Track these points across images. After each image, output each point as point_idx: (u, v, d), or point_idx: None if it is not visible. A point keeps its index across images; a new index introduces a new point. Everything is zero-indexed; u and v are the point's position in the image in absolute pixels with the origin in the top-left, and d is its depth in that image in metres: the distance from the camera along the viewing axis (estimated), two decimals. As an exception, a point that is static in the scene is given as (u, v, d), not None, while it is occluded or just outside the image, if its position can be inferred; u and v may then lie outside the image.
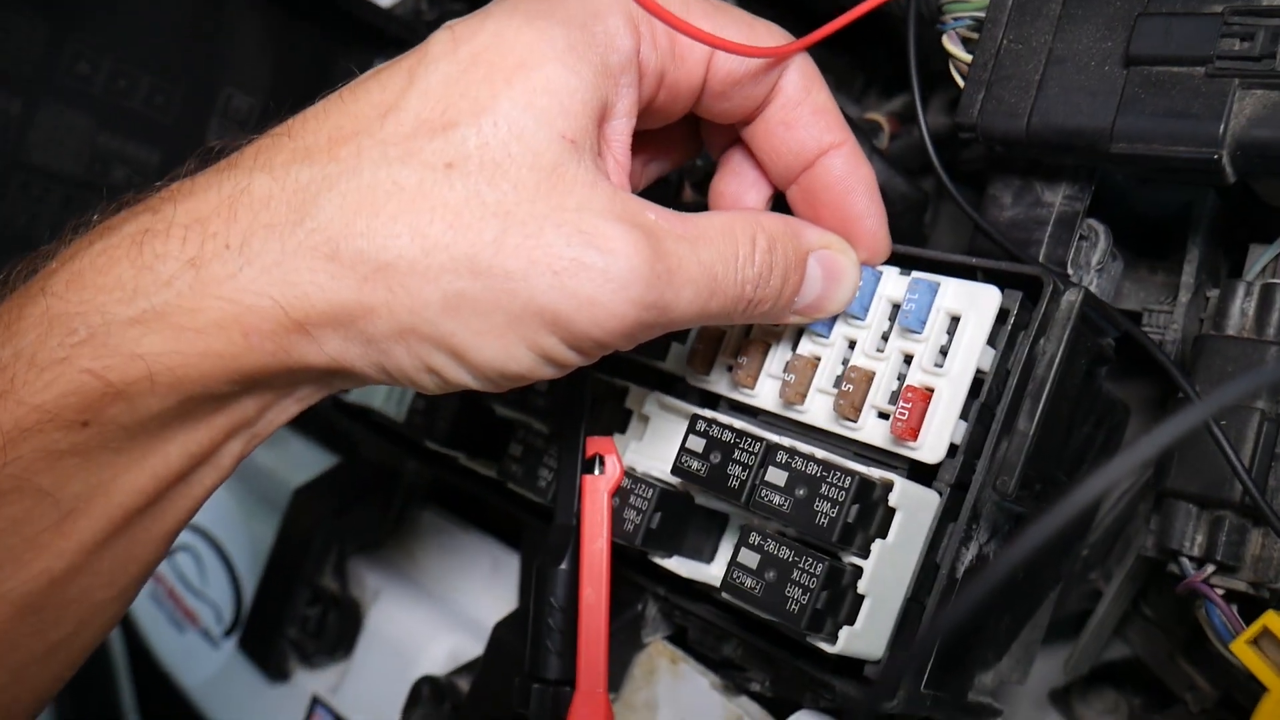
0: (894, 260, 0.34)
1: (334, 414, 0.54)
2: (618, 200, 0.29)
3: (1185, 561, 0.33)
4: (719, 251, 0.30)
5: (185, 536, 0.60)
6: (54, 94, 0.49)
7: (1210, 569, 0.32)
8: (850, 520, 0.30)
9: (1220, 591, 0.32)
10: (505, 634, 0.40)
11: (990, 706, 0.36)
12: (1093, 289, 0.35)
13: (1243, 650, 0.28)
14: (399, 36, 0.56)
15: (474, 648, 0.44)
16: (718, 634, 0.37)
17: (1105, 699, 0.47)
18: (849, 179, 0.34)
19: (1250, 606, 0.32)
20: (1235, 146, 0.29)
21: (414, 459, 0.49)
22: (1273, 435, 0.32)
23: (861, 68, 0.64)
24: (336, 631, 0.48)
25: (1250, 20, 0.29)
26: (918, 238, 0.48)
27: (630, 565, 0.38)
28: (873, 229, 0.34)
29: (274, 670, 0.49)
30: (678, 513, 0.35)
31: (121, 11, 0.50)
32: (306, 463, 0.55)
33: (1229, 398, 0.26)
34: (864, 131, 0.44)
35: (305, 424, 0.55)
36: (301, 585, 0.49)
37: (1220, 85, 0.29)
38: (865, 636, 0.31)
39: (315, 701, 0.48)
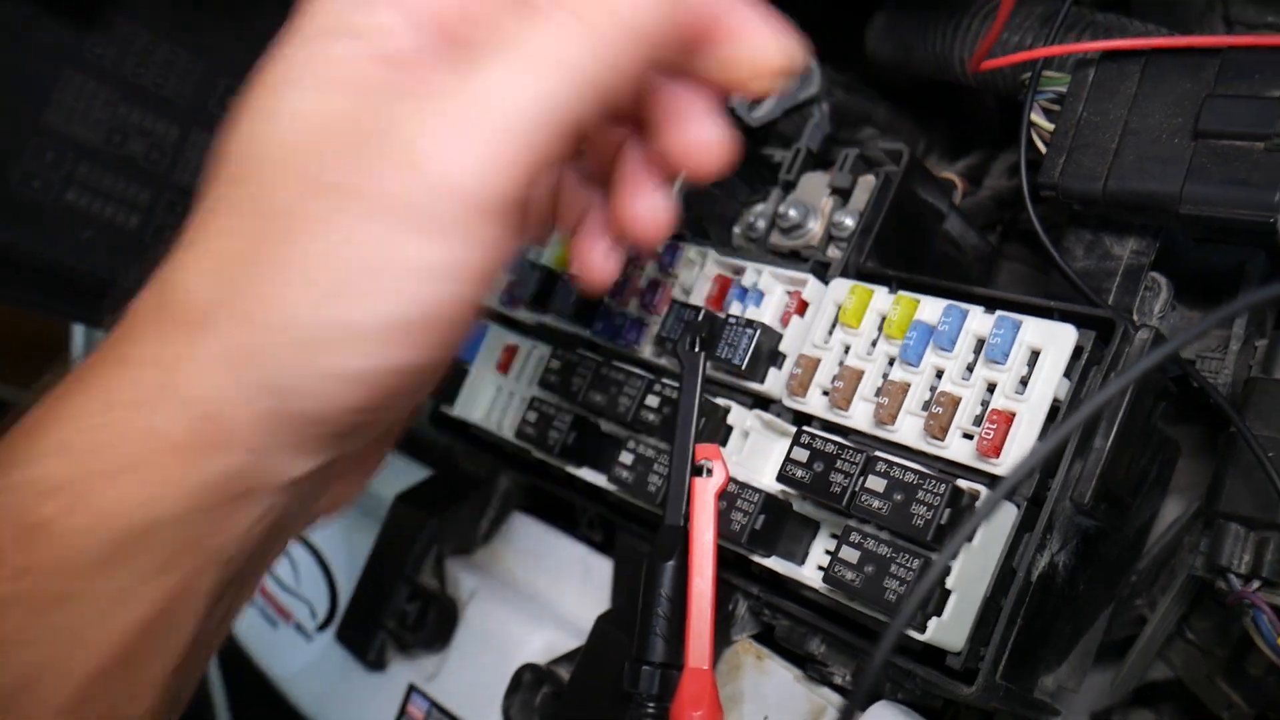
0: (979, 300, 0.39)
1: (431, 430, 0.59)
2: None
3: (1233, 578, 0.37)
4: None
5: (279, 537, 0.65)
6: (204, 123, 0.54)
7: (1257, 584, 0.36)
8: (943, 523, 0.34)
9: (1269, 606, 0.36)
10: (607, 625, 0.44)
11: (1051, 705, 0.40)
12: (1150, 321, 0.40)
13: (1291, 646, 0.32)
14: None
15: (569, 642, 0.48)
16: (804, 631, 0.41)
17: (1143, 719, 0.51)
18: None
19: (1289, 619, 0.36)
20: (1290, 212, 0.34)
21: (513, 469, 0.54)
22: (1315, 467, 0.36)
23: (924, 131, 0.69)
24: (435, 625, 0.51)
25: (1305, 104, 0.34)
26: (987, 286, 0.52)
27: (725, 567, 0.42)
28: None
29: (371, 660, 0.53)
30: (777, 517, 0.40)
31: (265, 51, 0.56)
32: (402, 476, 0.59)
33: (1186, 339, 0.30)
34: (944, 189, 0.48)
35: (403, 442, 0.60)
36: (401, 583, 0.53)
37: (1277, 159, 0.34)
38: (950, 628, 0.35)
39: (412, 689, 0.52)
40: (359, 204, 0.25)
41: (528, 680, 0.46)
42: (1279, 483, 0.35)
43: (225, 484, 0.26)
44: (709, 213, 0.53)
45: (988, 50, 0.44)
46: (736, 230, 0.52)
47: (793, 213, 0.48)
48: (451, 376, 0.55)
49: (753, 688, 0.43)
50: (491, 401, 0.55)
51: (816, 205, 0.48)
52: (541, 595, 0.51)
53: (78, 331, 0.96)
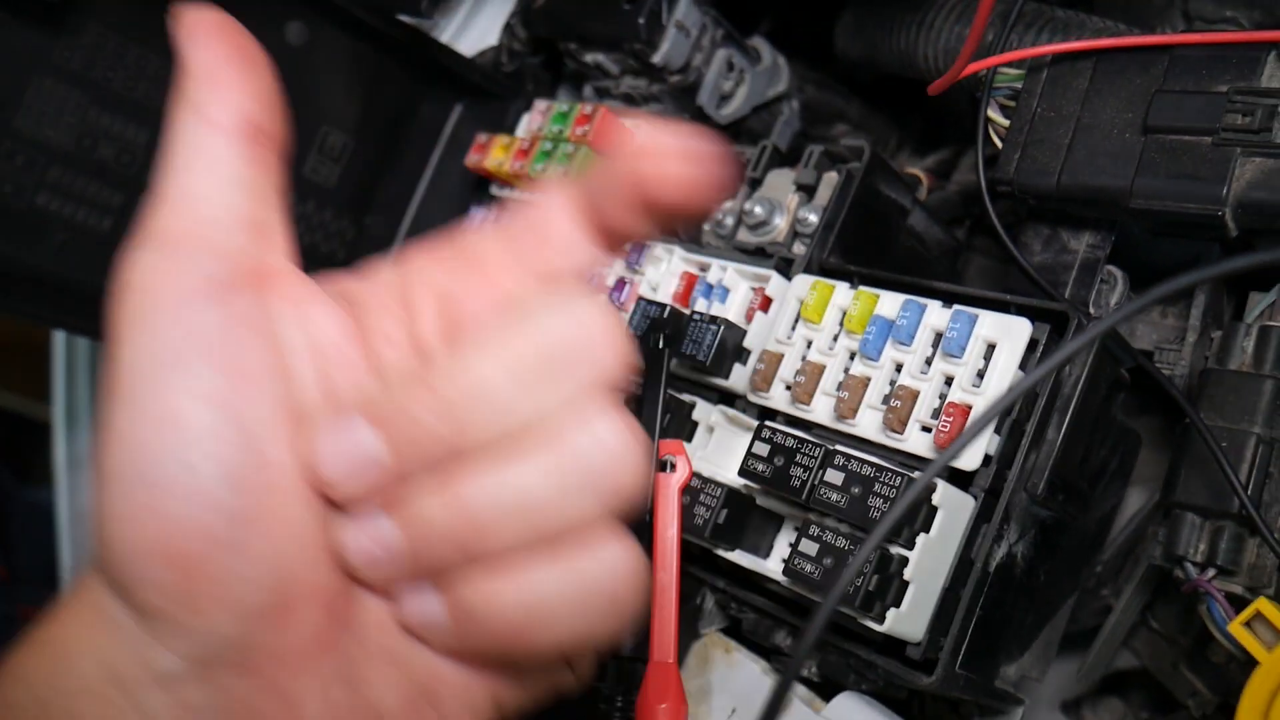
0: (938, 295, 0.39)
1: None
2: None
3: (1189, 566, 0.37)
4: None
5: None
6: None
7: (1211, 572, 0.37)
8: (902, 516, 0.35)
9: (1221, 593, 0.36)
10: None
11: (1013, 695, 0.40)
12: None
13: (1238, 630, 0.32)
14: (479, 86, 0.62)
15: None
16: (770, 623, 0.42)
17: (1113, 709, 0.51)
18: None
19: (1244, 608, 0.37)
20: (1237, 205, 0.34)
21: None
22: (1267, 456, 0.37)
23: (897, 127, 0.69)
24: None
25: (1251, 99, 0.34)
26: (952, 280, 0.53)
27: (691, 561, 0.42)
28: None
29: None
30: (740, 511, 0.40)
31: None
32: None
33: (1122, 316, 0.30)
34: (907, 184, 0.49)
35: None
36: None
37: (1225, 153, 0.34)
38: (909, 618, 0.35)
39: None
40: None
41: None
42: (1231, 474, 0.36)
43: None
44: (678, 211, 0.53)
45: (961, 67, 0.44)
46: (705, 227, 0.53)
47: (758, 209, 0.48)
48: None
49: (721, 680, 0.43)
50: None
51: (782, 202, 0.49)
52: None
53: (59, 335, 0.97)
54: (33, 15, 0.48)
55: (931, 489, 0.35)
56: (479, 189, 0.61)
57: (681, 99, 0.57)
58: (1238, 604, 0.36)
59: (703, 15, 0.56)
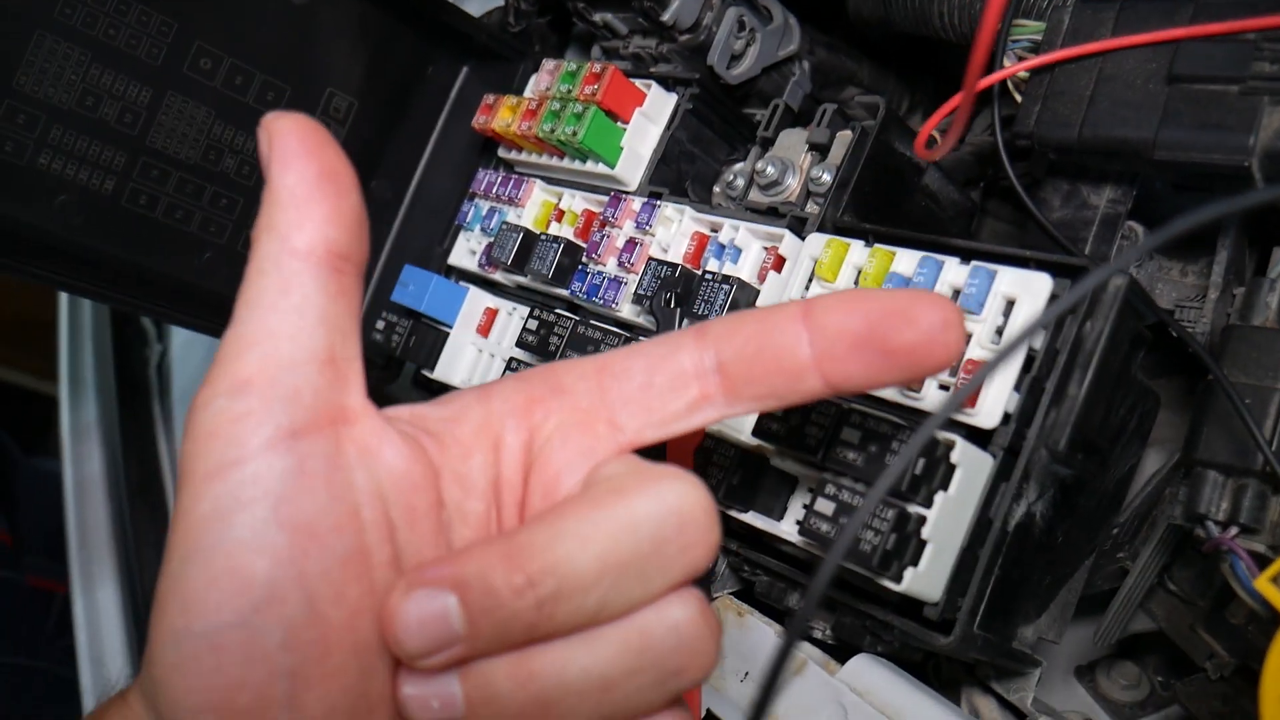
0: (955, 251, 0.39)
1: (412, 394, 0.58)
2: None
3: (1211, 525, 0.37)
4: None
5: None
6: (179, 86, 0.54)
7: (1234, 530, 0.36)
8: (917, 473, 0.34)
9: (1245, 551, 0.36)
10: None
11: (1031, 656, 0.40)
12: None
13: (1265, 586, 0.32)
14: (486, 46, 0.61)
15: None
16: (783, 586, 0.41)
17: (1128, 673, 0.51)
18: None
19: (1263, 566, 0.36)
20: (1265, 156, 0.34)
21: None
22: (1291, 414, 0.36)
23: (909, 89, 0.68)
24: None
25: (1280, 46, 0.34)
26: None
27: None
28: None
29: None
30: (754, 472, 0.40)
31: (240, 15, 0.55)
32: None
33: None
34: (904, 129, 0.48)
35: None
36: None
37: (1252, 102, 0.34)
38: (926, 578, 0.35)
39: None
40: None
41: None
42: (1256, 431, 0.35)
43: None
44: (690, 171, 0.52)
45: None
46: (716, 189, 0.52)
47: (770, 169, 0.48)
48: (432, 341, 0.55)
49: (734, 644, 0.43)
50: (473, 365, 0.54)
51: (795, 161, 0.48)
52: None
53: (63, 302, 0.96)
54: (169, 35, 0.48)
55: (951, 445, 0.35)
56: (486, 151, 0.60)
57: (691, 59, 0.56)
58: (1260, 563, 0.36)
59: (713, -28, 0.55)
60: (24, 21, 0.49)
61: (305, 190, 0.27)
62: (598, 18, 0.57)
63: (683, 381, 0.29)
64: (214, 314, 0.59)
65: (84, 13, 0.50)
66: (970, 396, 0.36)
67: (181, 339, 0.86)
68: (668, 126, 0.52)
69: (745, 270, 0.45)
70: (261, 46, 0.56)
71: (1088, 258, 0.38)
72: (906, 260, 0.39)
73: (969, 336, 0.37)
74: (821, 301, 0.28)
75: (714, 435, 0.40)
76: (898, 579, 0.34)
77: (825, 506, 0.36)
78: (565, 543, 0.25)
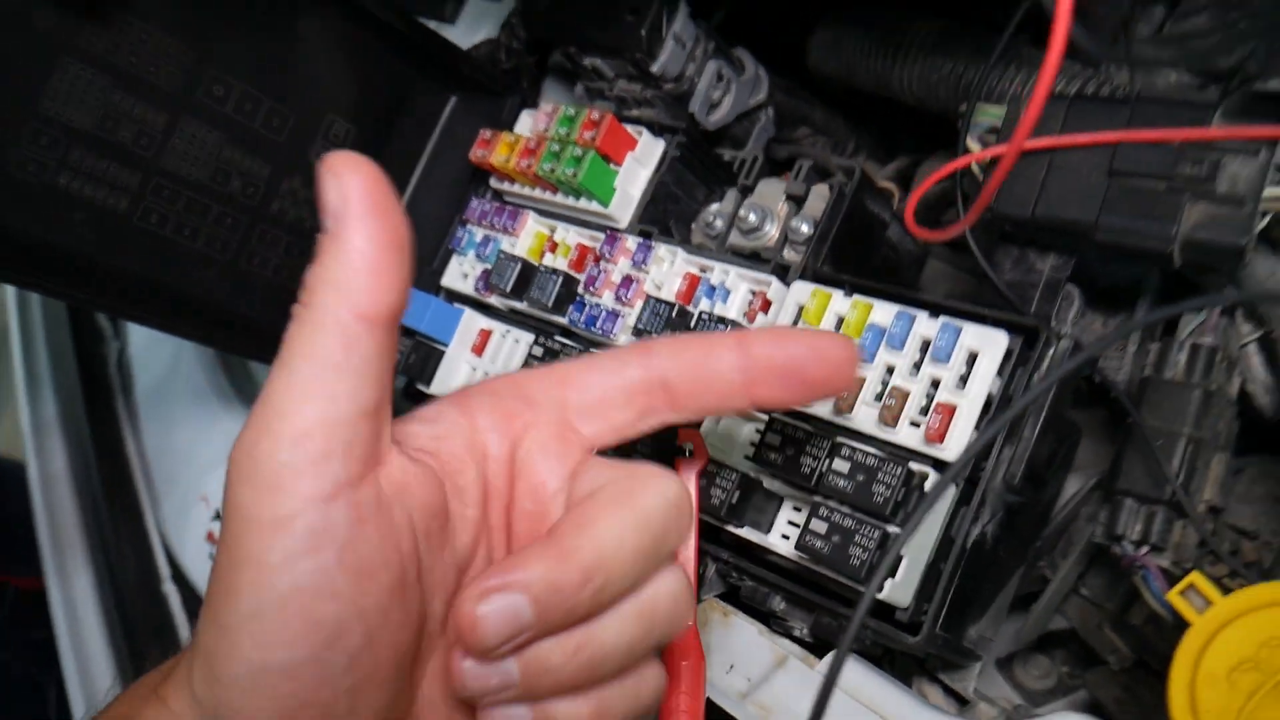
0: (925, 306, 0.45)
1: (406, 407, 0.63)
2: None
3: (1127, 544, 0.44)
4: None
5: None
6: (193, 111, 0.57)
7: (1146, 548, 0.44)
8: (899, 500, 0.40)
9: (1156, 566, 0.43)
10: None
11: (974, 652, 0.47)
12: (1065, 333, 0.46)
13: (1175, 599, 0.39)
14: (476, 79, 0.65)
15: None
16: (766, 590, 0.47)
17: (1040, 665, 0.59)
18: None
19: (1169, 580, 0.44)
20: (1184, 243, 0.41)
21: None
22: (1194, 453, 0.44)
23: (855, 131, 0.75)
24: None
25: (1199, 152, 0.41)
26: (916, 284, 0.59)
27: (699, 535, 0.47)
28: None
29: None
30: (750, 492, 0.45)
31: (252, 44, 0.58)
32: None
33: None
34: (885, 198, 0.54)
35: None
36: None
37: (1176, 199, 0.41)
38: (901, 588, 0.41)
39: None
40: None
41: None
42: (1166, 467, 0.42)
43: None
44: (673, 210, 0.58)
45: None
46: (696, 228, 0.58)
47: (752, 216, 0.53)
48: (428, 358, 0.59)
49: (720, 640, 0.49)
50: (466, 381, 0.59)
51: (773, 210, 0.54)
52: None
53: (10, 298, 0.96)
54: (71, 4, 0.50)
55: (925, 477, 0.41)
56: (475, 179, 0.64)
57: (674, 105, 0.62)
58: (1166, 576, 0.43)
59: (697, 29, 0.60)
60: (51, 47, 0.51)
61: (375, 257, 0.29)
62: (587, 62, 0.62)
63: (632, 395, 0.35)
64: (215, 326, 0.62)
65: (108, 40, 0.53)
66: (938, 434, 0.42)
67: (140, 336, 0.87)
68: (656, 170, 0.57)
69: (734, 310, 0.50)
70: (270, 75, 0.59)
71: (1036, 317, 0.44)
72: (883, 311, 0.45)
73: (938, 381, 0.43)
74: (754, 335, 0.35)
75: (717, 461, 0.46)
76: (880, 588, 0.41)
77: (819, 526, 0.42)
78: (605, 541, 0.31)
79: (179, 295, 0.59)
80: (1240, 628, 0.36)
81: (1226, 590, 0.38)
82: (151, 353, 0.85)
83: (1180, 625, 0.39)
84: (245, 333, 0.63)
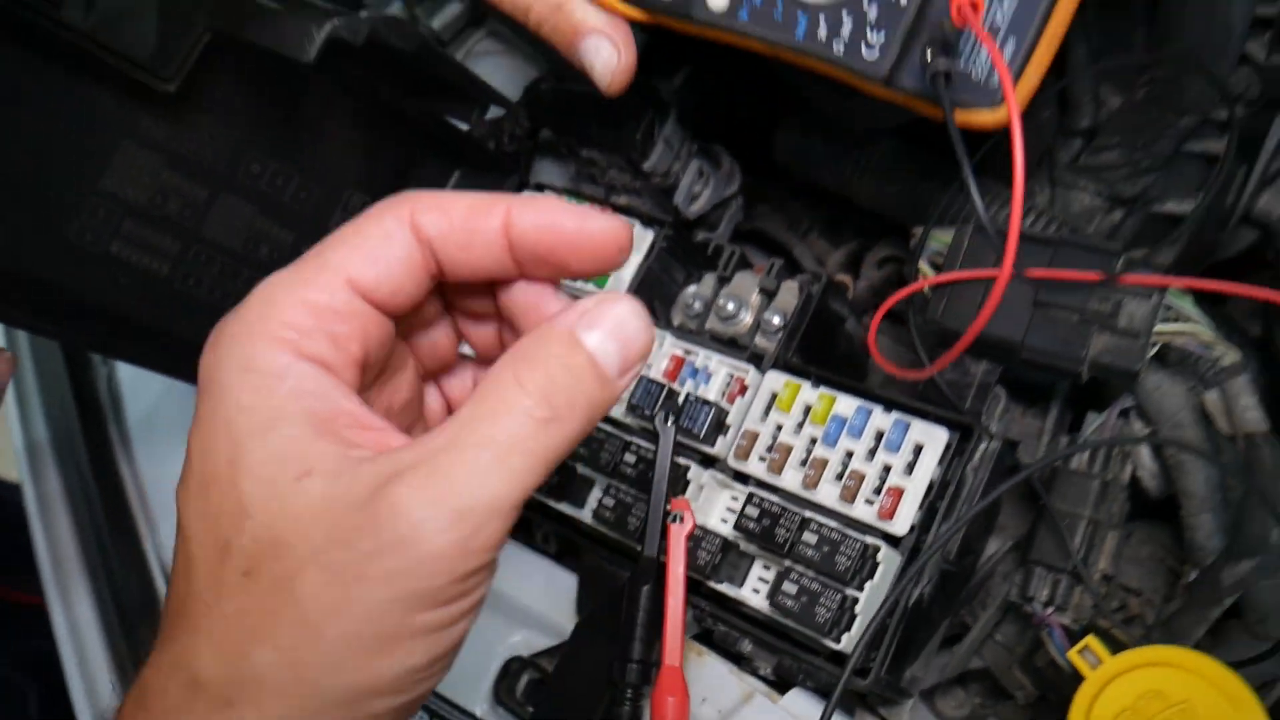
0: (880, 401, 0.54)
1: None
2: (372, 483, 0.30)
3: (1037, 605, 0.54)
4: (483, 429, 0.30)
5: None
6: (232, 187, 0.63)
7: (1051, 609, 0.53)
8: (857, 569, 0.49)
9: (1058, 625, 0.53)
10: (584, 628, 0.57)
11: (908, 690, 0.56)
12: (993, 429, 0.56)
13: (1074, 656, 0.48)
14: (479, 158, 0.72)
15: (542, 639, 0.60)
16: (737, 635, 0.56)
17: (957, 697, 0.68)
18: (542, 217, 0.34)
19: (1069, 635, 0.53)
20: (1090, 364, 0.50)
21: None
22: (1092, 532, 0.53)
23: (807, 211, 0.84)
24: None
25: (1107, 292, 0.50)
26: (866, 364, 0.67)
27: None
28: (592, 226, 0.34)
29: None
30: (727, 553, 0.54)
31: (287, 129, 0.64)
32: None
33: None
34: (842, 294, 0.63)
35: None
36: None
37: (1087, 329, 0.50)
38: (854, 639, 0.50)
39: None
40: (371, 588, 0.29)
41: (515, 669, 0.58)
42: (1069, 543, 0.52)
43: None
44: (657, 292, 0.66)
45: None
46: (676, 310, 0.66)
47: (730, 305, 0.62)
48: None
49: (695, 676, 0.57)
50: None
51: (747, 299, 0.62)
52: (511, 599, 0.63)
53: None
54: (147, 101, 0.56)
55: (878, 549, 0.50)
56: (476, 250, 0.71)
57: (659, 196, 0.70)
58: (1068, 633, 0.53)
59: (683, 131, 0.68)
60: (115, 133, 0.57)
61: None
62: (584, 153, 0.70)
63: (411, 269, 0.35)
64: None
65: (166, 127, 0.59)
66: (889, 512, 0.51)
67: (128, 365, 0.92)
68: (645, 258, 0.65)
69: (713, 392, 0.59)
70: (300, 155, 0.65)
71: (971, 414, 0.54)
72: (845, 403, 0.54)
73: (889, 467, 0.52)
74: (522, 203, 0.34)
75: (703, 527, 0.54)
76: (837, 640, 0.49)
77: (790, 588, 0.50)
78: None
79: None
80: (1123, 682, 0.45)
81: (1115, 645, 0.48)
82: (141, 381, 0.90)
83: (1077, 677, 0.49)
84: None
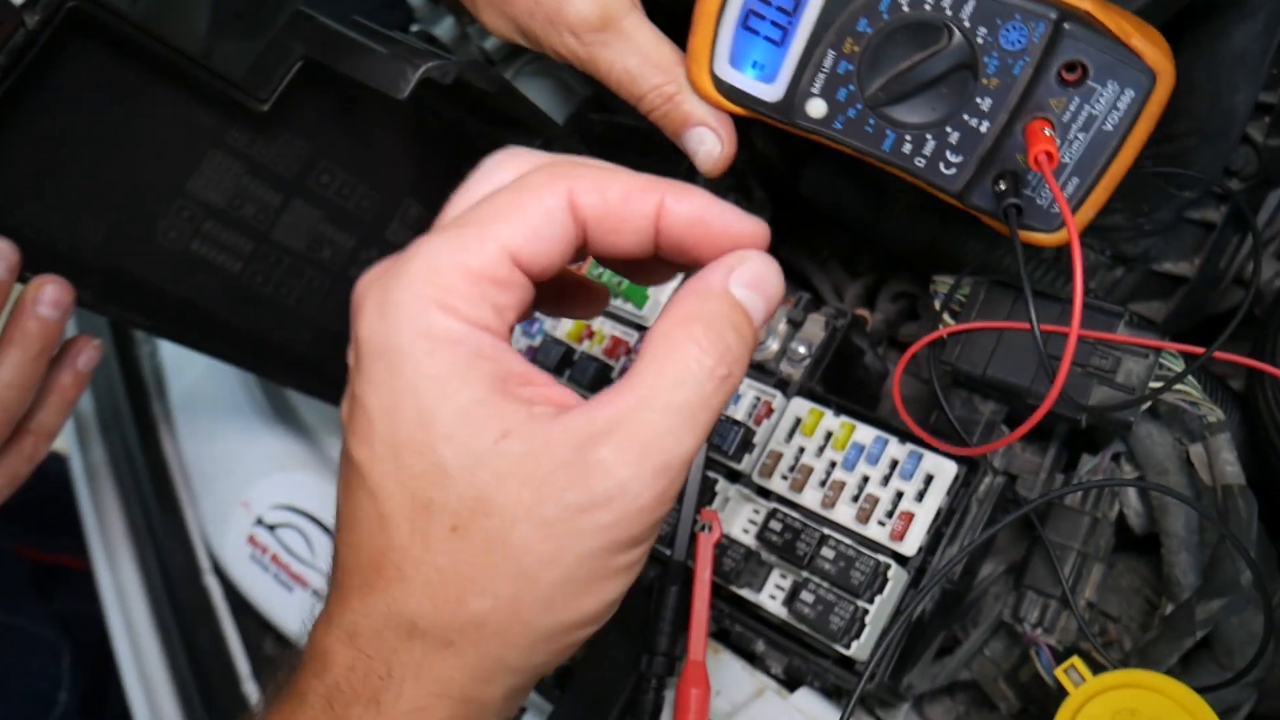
0: (896, 433, 0.59)
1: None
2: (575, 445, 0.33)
3: (1027, 625, 0.59)
4: (673, 391, 0.33)
5: (292, 518, 0.79)
6: (302, 194, 0.68)
7: (1040, 630, 0.59)
8: (869, 583, 0.54)
9: (1046, 645, 0.58)
10: (613, 622, 0.62)
11: (905, 695, 0.61)
12: (997, 465, 0.61)
13: (1060, 674, 0.54)
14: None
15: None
16: (752, 635, 0.61)
17: (945, 704, 0.74)
18: (695, 210, 0.36)
19: (1055, 655, 0.59)
20: (1089, 413, 0.56)
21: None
22: (1080, 563, 0.59)
23: (827, 241, 0.89)
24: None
25: (1108, 349, 0.56)
26: (880, 393, 0.73)
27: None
28: (740, 223, 0.37)
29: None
30: (748, 561, 0.59)
31: (356, 142, 0.69)
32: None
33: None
34: (862, 328, 0.68)
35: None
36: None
37: (1088, 380, 0.56)
38: (864, 647, 0.55)
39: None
40: (583, 539, 0.33)
41: (545, 656, 0.63)
42: (1060, 571, 0.58)
43: None
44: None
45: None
46: (709, 331, 0.71)
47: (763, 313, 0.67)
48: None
49: (711, 671, 0.62)
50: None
51: (776, 328, 0.67)
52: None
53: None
54: (239, 116, 0.61)
55: (888, 567, 0.55)
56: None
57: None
58: (1054, 653, 0.58)
59: (722, 166, 0.73)
60: (207, 142, 0.62)
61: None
62: (628, 180, 0.75)
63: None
64: (292, 369, 0.73)
65: (249, 138, 0.63)
66: (899, 534, 0.56)
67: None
68: (681, 281, 0.70)
69: (742, 413, 0.64)
70: (365, 165, 0.70)
71: (980, 451, 0.59)
72: (864, 432, 0.59)
73: (902, 493, 0.57)
74: (679, 190, 0.36)
75: (729, 537, 0.59)
76: (848, 646, 0.55)
77: (808, 597, 0.55)
78: None
79: (270, 342, 0.70)
80: (1102, 700, 0.51)
81: (1095, 666, 0.53)
82: (184, 359, 0.95)
83: (1061, 693, 0.54)
84: (316, 375, 0.74)
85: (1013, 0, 0.45)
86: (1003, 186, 0.48)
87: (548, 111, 0.81)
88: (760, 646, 0.61)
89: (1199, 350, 0.52)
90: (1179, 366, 0.56)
